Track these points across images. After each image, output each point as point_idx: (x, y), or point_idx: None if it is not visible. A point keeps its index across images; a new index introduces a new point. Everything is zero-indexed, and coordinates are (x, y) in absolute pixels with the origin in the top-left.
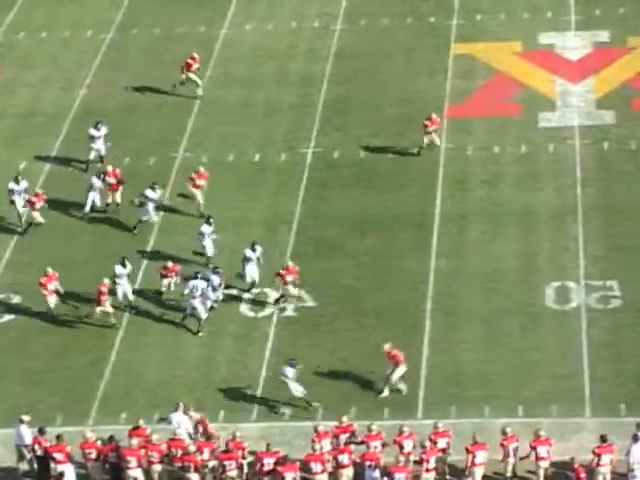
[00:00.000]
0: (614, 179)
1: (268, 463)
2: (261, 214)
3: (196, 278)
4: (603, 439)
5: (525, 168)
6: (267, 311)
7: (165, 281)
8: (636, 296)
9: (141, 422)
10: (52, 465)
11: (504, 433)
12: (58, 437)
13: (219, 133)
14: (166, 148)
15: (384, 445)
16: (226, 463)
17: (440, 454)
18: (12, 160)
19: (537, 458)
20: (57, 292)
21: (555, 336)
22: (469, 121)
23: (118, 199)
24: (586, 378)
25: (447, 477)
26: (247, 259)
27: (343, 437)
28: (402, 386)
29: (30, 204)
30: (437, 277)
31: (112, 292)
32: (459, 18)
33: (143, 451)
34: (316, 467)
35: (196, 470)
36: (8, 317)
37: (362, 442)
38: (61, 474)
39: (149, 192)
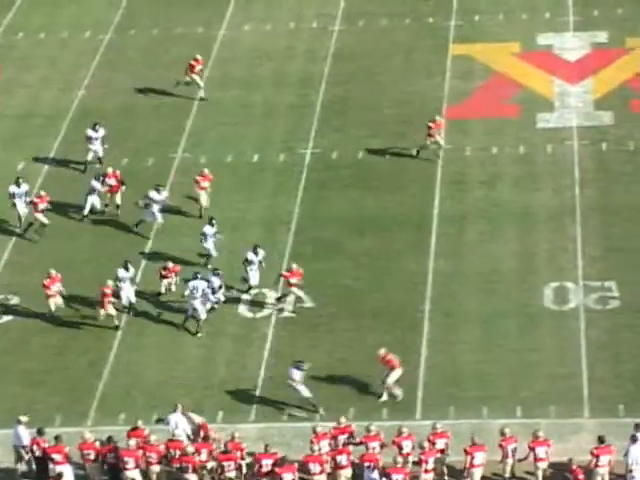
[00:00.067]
0: (612, 180)
1: (266, 464)
2: (259, 215)
3: (196, 279)
4: (601, 440)
5: (523, 169)
6: (265, 312)
7: (165, 281)
8: (634, 297)
9: (139, 423)
10: (50, 466)
11: (502, 434)
12: (56, 438)
13: (218, 134)
14: (165, 149)
15: (383, 446)
16: (225, 464)
17: (439, 455)
18: (10, 161)
19: (535, 459)
20: (61, 295)
21: (553, 337)
22: (467, 122)
23: (118, 200)
24: (584, 379)
25: (446, 478)
26: (249, 262)
27: (342, 438)
28: (398, 392)
29: (33, 205)
30: (435, 278)
31: (115, 295)
32: (457, 19)
33: (141, 452)
34: (314, 468)
35: (194, 471)
36: (7, 318)
37: (361, 443)
38: (59, 475)
39: (153, 194)
